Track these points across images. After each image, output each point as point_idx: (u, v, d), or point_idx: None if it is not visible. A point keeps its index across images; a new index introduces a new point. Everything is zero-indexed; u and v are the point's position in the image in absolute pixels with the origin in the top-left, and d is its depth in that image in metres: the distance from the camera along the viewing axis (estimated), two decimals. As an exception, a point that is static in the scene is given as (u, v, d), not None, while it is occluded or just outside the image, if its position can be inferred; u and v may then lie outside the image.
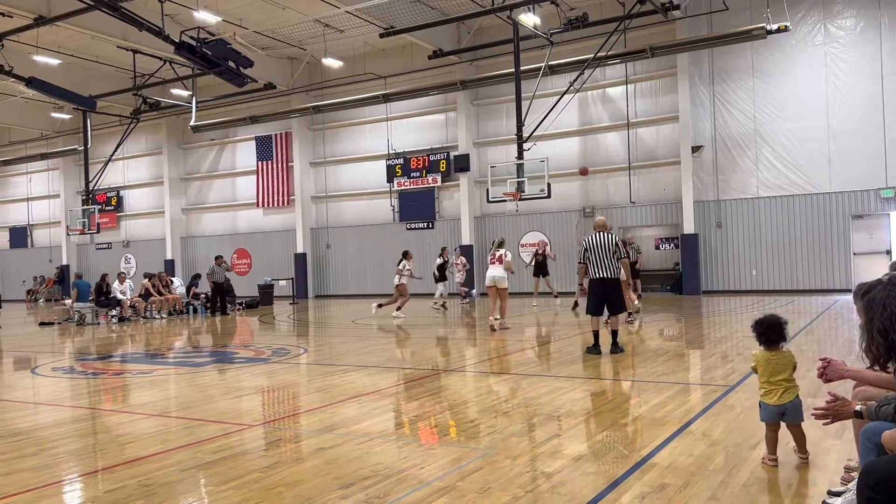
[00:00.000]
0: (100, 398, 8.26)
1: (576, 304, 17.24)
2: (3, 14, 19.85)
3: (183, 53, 17.93)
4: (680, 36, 21.39)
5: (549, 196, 19.53)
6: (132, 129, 28.25)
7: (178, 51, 17.83)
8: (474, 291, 22.41)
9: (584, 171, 22.88)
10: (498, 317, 13.90)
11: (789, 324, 4.77)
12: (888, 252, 20.25)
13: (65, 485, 4.86)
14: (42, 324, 19.47)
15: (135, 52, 23.36)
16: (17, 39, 21.38)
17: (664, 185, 23.13)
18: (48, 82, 22.60)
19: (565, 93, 20.39)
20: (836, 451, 4.81)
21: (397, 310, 17.32)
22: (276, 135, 29.75)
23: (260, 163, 30.24)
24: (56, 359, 12.23)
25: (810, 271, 21.13)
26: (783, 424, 4.62)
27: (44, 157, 33.25)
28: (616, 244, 9.86)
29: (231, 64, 18.79)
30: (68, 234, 32.92)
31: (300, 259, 29.13)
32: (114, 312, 19.64)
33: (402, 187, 27.11)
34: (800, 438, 4.64)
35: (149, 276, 21.37)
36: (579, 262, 10.21)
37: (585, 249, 10.01)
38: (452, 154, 26.07)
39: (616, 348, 9.83)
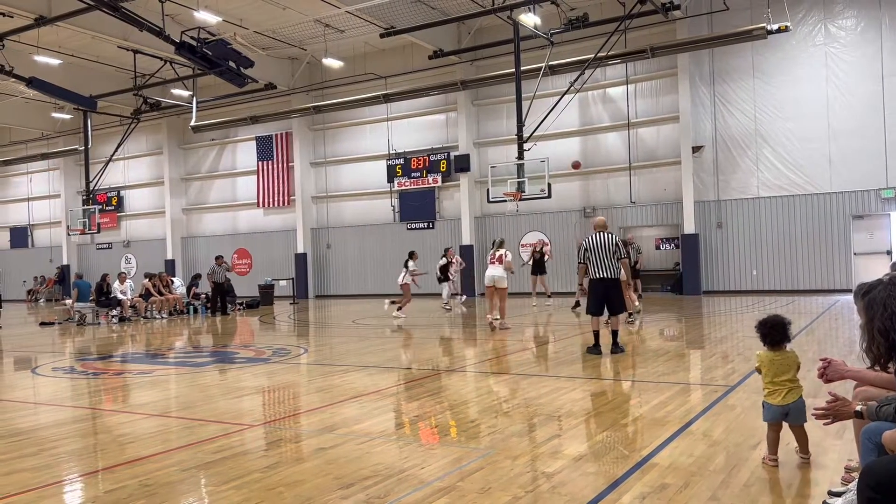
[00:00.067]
0: (100, 398, 8.26)
1: (576, 304, 17.23)
2: (3, 14, 19.86)
3: (183, 53, 17.93)
4: (680, 36, 21.39)
5: (549, 196, 19.53)
6: (133, 129, 28.28)
7: (179, 51, 17.83)
8: (463, 297, 22.03)
9: (576, 166, 22.78)
10: (497, 316, 13.90)
11: (791, 324, 4.78)
12: (889, 252, 20.25)
13: (65, 485, 4.86)
14: (42, 324, 19.48)
15: (135, 52, 23.38)
16: (17, 39, 21.39)
17: (664, 186, 23.12)
18: (49, 82, 22.62)
19: (566, 93, 20.39)
20: (836, 452, 4.80)
21: (398, 310, 17.31)
22: (276, 135, 29.75)
23: (260, 163, 30.25)
24: (56, 359, 12.23)
25: (811, 271, 21.12)
26: (785, 425, 4.62)
27: (44, 157, 33.27)
28: (616, 244, 9.85)
29: (231, 64, 18.79)
30: (69, 234, 32.92)
31: (300, 259, 29.14)
32: (114, 312, 19.64)
33: (403, 187, 27.11)
34: (802, 439, 4.64)
35: (149, 276, 21.38)
36: (579, 262, 10.20)
37: (585, 249, 9.99)
38: (453, 154, 26.06)
39: (616, 348, 9.83)
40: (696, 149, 22.23)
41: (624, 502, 4.02)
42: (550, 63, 20.91)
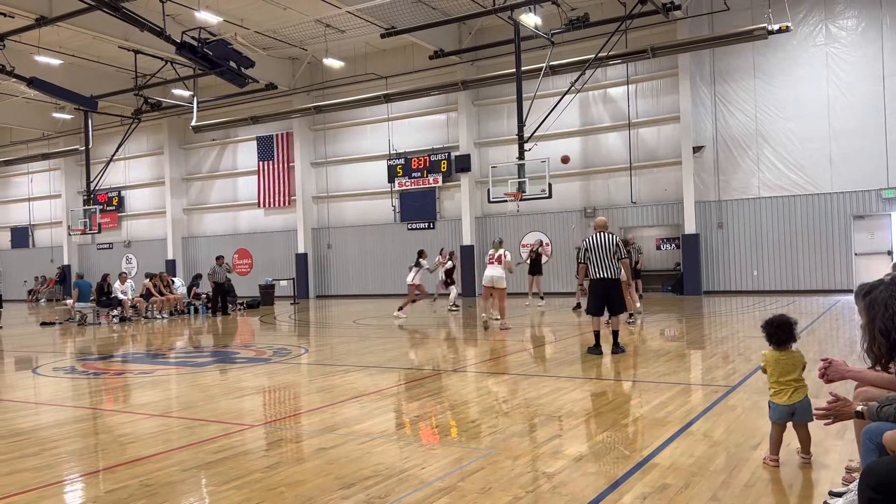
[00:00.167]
0: (101, 398, 8.27)
1: (577, 305, 17.24)
2: (4, 14, 19.88)
3: (184, 54, 17.94)
4: (681, 36, 21.38)
5: (549, 196, 19.51)
6: (133, 130, 28.28)
7: (180, 51, 17.84)
8: (436, 297, 21.85)
9: (565, 160, 22.21)
10: (494, 315, 13.90)
11: (797, 324, 4.78)
12: (889, 252, 20.24)
13: (66, 485, 4.86)
14: (43, 324, 19.49)
15: (136, 52, 23.39)
16: (18, 40, 21.41)
17: (665, 186, 23.12)
18: (49, 82, 22.62)
19: (566, 93, 20.37)
20: (837, 452, 4.80)
21: (399, 310, 17.32)
22: (277, 135, 29.76)
23: (261, 163, 30.26)
24: (57, 359, 12.24)
25: (811, 272, 21.11)
26: (788, 425, 4.62)
27: (45, 157, 33.30)
28: (616, 244, 9.85)
29: (232, 64, 18.79)
30: (70, 234, 32.91)
31: (301, 259, 29.14)
32: (115, 312, 19.64)
33: (403, 187, 27.11)
34: (806, 439, 4.65)
35: (150, 276, 21.39)
36: (579, 263, 10.20)
37: (586, 250, 10.00)
38: (453, 154, 26.06)
39: (617, 349, 9.83)
40: (696, 149, 22.22)
41: (625, 502, 4.02)
42: (551, 63, 20.91)
